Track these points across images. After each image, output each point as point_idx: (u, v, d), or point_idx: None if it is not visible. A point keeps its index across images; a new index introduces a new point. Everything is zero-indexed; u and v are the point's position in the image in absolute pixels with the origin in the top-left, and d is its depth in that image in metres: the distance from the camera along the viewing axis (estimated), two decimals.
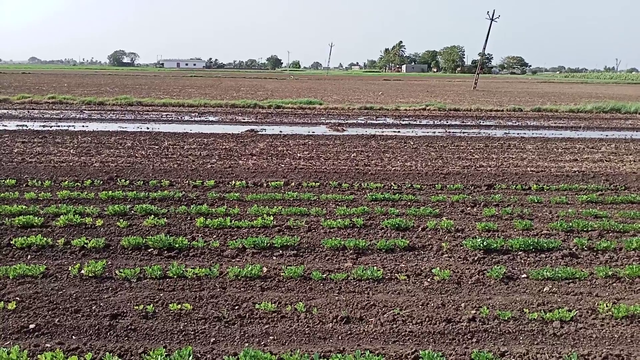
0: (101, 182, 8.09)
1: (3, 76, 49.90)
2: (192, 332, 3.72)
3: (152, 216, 6.26)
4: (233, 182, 8.26)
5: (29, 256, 5.10)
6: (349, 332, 3.79)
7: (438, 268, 4.92)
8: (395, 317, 3.99)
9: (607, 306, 4.16)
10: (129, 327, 3.76)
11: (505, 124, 18.39)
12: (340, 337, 3.72)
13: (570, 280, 4.78)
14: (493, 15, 45.82)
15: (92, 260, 4.96)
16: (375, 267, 4.88)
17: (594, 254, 5.51)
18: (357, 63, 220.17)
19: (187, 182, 8.23)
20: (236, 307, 4.09)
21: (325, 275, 4.74)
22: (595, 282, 4.77)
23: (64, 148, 11.17)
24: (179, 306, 4.03)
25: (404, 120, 18.98)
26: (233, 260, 5.14)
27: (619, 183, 8.88)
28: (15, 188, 7.62)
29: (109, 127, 14.98)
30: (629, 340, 3.75)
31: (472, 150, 12.10)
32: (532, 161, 10.92)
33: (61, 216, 6.07)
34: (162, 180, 8.22)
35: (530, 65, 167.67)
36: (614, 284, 4.74)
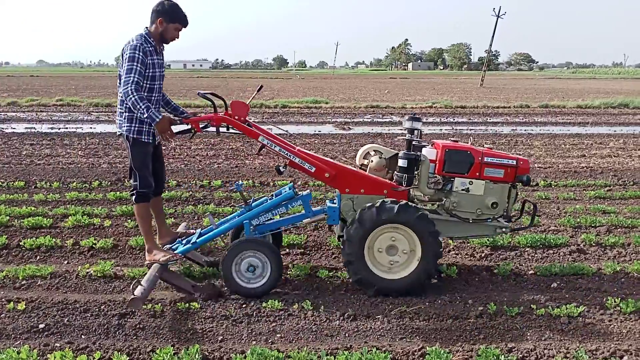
0: (109, 183, 8.14)
1: (11, 79, 50.27)
2: (199, 331, 3.74)
3: None
4: (240, 181, 8.27)
5: (38, 257, 5.14)
6: (356, 329, 3.80)
7: (445, 265, 4.91)
8: (403, 314, 3.99)
9: (615, 302, 4.14)
10: (138, 325, 3.79)
11: (513, 121, 18.33)
12: (347, 335, 3.73)
13: (579, 276, 4.76)
14: (499, 11, 45.67)
15: (100, 260, 5.00)
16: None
17: (602, 249, 5.48)
18: (364, 62, 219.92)
19: (194, 182, 8.26)
20: (244, 306, 4.10)
21: (332, 273, 4.74)
22: (603, 278, 4.75)
23: (72, 150, 11.26)
24: (187, 305, 4.05)
25: None
26: None
27: (627, 178, 8.83)
28: (25, 190, 7.69)
29: (116, 129, 15.04)
30: (637, 336, 3.73)
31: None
32: (540, 157, 10.88)
33: (70, 217, 6.12)
34: (170, 181, 8.25)
35: (537, 62, 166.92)
36: (622, 280, 4.71)
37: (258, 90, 4.97)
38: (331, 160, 4.59)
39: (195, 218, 6.39)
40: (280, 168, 4.50)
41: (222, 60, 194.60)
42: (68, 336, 3.66)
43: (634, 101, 24.31)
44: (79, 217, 6.09)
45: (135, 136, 4.38)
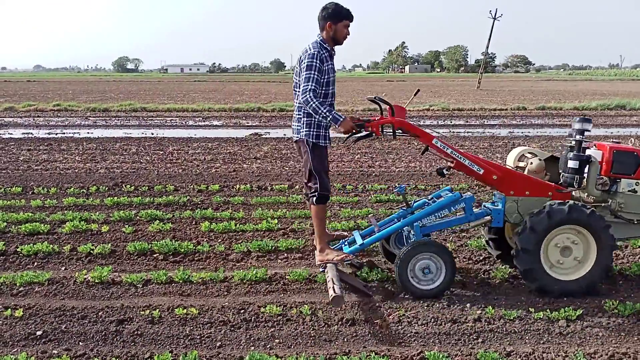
0: (107, 188, 8.13)
1: (8, 84, 50.23)
2: (198, 337, 3.73)
3: (158, 221, 6.28)
4: (237, 186, 8.28)
5: (35, 263, 5.13)
6: (354, 334, 3.79)
7: None
8: (401, 318, 3.98)
9: (613, 304, 4.15)
10: (136, 332, 3.78)
11: (510, 123, 18.37)
12: (345, 340, 3.73)
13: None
14: (495, 14, 45.77)
15: (98, 266, 4.99)
16: (380, 269, 4.88)
17: None
18: (360, 65, 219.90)
19: (192, 186, 8.26)
20: (242, 311, 4.10)
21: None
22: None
23: (69, 155, 11.24)
24: (185, 311, 4.05)
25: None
26: (238, 264, 5.16)
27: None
28: (22, 196, 7.67)
29: (113, 134, 15.06)
30: (635, 338, 3.73)
31: (476, 150, 12.09)
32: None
33: (67, 223, 6.10)
34: (167, 186, 8.25)
35: (534, 64, 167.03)
36: (620, 282, 4.72)
37: (415, 94, 5.09)
38: (496, 162, 4.62)
39: (193, 223, 6.37)
40: (444, 171, 4.57)
41: (219, 64, 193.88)
42: (66, 343, 3.65)
43: (631, 102, 24.39)
44: (77, 223, 6.08)
45: (314, 140, 4.54)
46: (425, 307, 4.17)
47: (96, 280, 4.61)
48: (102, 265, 5.04)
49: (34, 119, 19.00)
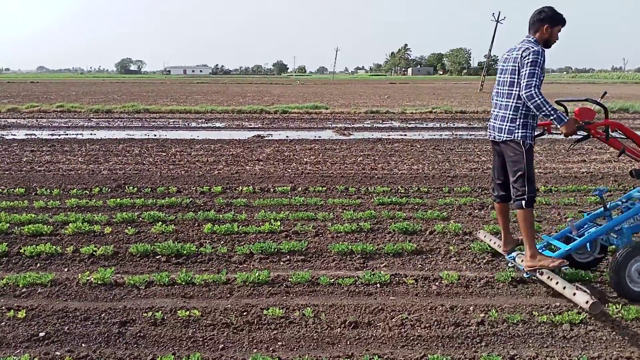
0: (109, 189, 8.14)
1: (11, 85, 50.38)
2: (200, 339, 3.73)
3: (160, 223, 6.28)
4: (240, 187, 8.28)
5: (38, 264, 5.13)
6: (357, 336, 3.79)
7: (446, 271, 4.90)
8: (404, 321, 3.98)
9: (617, 308, 4.13)
10: (138, 334, 3.78)
11: None
12: (348, 342, 3.72)
13: (580, 283, 4.73)
14: (498, 17, 45.79)
15: (100, 267, 4.99)
16: (382, 272, 4.88)
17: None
18: (363, 67, 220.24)
19: (195, 188, 8.26)
20: (244, 313, 4.09)
21: (333, 280, 4.73)
22: (605, 284, 4.73)
23: (72, 156, 11.26)
24: (188, 313, 4.04)
25: (410, 124, 18.96)
26: (241, 266, 5.15)
27: (627, 184, 8.82)
28: (25, 197, 7.68)
29: (116, 135, 15.07)
30: (639, 343, 3.72)
31: (479, 153, 12.07)
32: (540, 163, 10.87)
33: (70, 224, 6.11)
34: (170, 187, 8.25)
35: None
36: None
37: (602, 96, 5.13)
38: None
39: (196, 225, 6.37)
40: None
41: (222, 65, 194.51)
42: (68, 345, 3.65)
43: (634, 105, 24.34)
44: (79, 224, 6.08)
45: (530, 142, 4.54)
46: (429, 310, 4.16)
47: (99, 282, 4.62)
48: (105, 266, 5.04)
49: (37, 120, 19.03)
